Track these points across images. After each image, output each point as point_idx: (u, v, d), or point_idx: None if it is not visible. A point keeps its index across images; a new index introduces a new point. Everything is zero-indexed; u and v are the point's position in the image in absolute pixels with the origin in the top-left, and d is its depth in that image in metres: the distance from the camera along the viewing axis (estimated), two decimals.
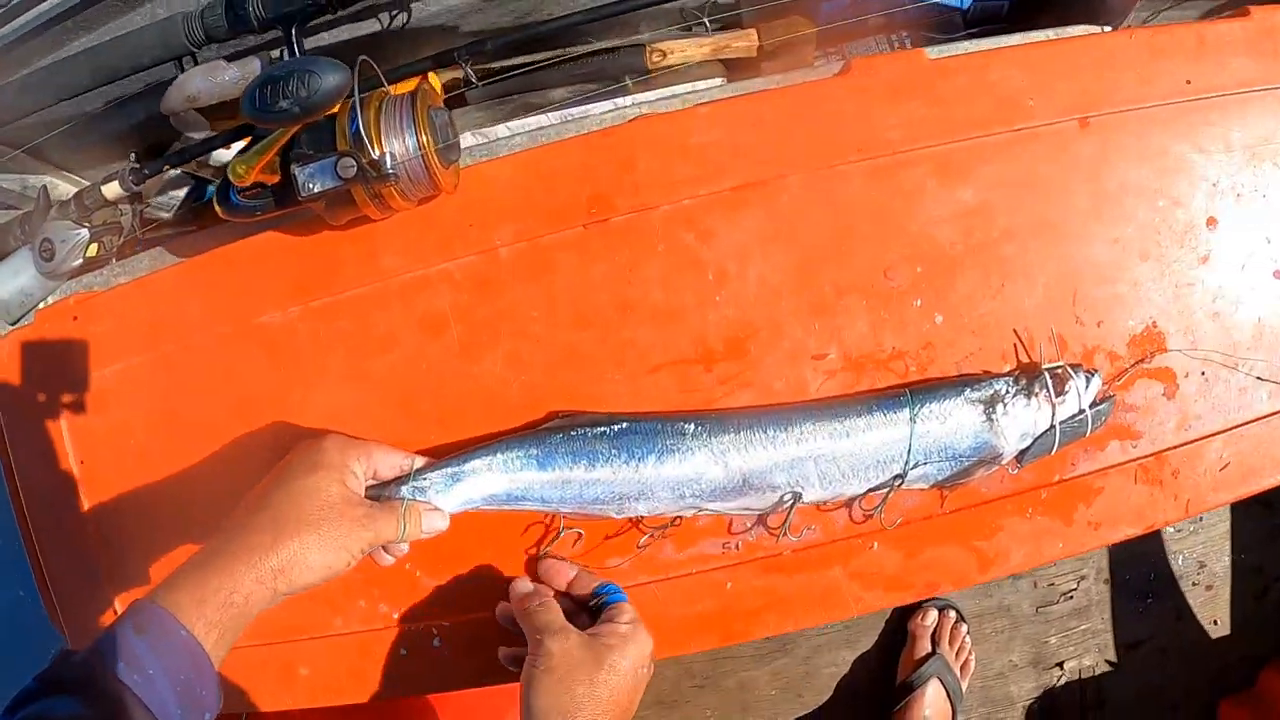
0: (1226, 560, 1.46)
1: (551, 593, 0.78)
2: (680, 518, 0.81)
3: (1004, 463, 0.82)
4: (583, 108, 0.96)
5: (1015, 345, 0.85)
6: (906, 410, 0.79)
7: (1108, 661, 1.43)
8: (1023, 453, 0.82)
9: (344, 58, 0.83)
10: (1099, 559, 1.43)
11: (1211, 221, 0.85)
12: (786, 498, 0.79)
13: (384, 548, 0.76)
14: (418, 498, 0.76)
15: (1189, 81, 0.84)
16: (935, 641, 1.38)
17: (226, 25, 0.80)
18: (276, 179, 0.78)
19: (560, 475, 0.79)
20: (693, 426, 0.79)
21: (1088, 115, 0.83)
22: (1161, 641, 1.44)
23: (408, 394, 0.85)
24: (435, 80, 0.98)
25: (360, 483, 0.74)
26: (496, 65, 0.99)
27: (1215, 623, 1.45)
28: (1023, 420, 0.81)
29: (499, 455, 0.79)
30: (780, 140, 0.81)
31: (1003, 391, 0.81)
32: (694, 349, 0.81)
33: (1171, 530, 1.44)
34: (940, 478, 0.82)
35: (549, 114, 0.97)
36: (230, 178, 0.76)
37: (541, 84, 0.97)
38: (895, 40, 0.95)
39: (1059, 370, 0.82)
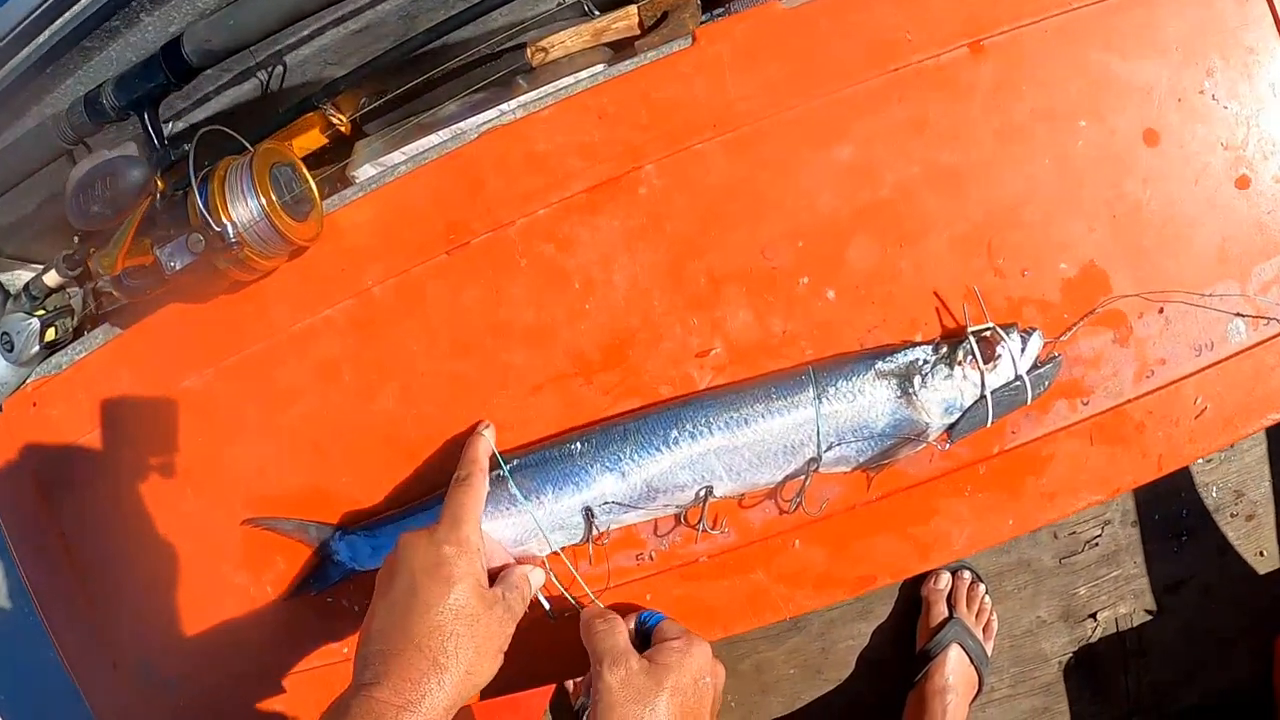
0: (1266, 486, 1.23)
1: (618, 617, 0.68)
2: (604, 534, 0.73)
3: (931, 439, 0.70)
4: (470, 120, 0.87)
5: (938, 309, 0.71)
6: (810, 390, 0.68)
7: (1146, 608, 1.24)
8: (952, 427, 0.69)
9: (230, 123, 0.78)
10: (1123, 501, 1.24)
11: (1150, 135, 0.68)
12: (700, 492, 0.70)
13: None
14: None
15: None
16: (952, 605, 1.23)
17: (89, 120, 0.76)
18: (151, 260, 0.74)
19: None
20: (579, 445, 0.71)
21: (979, 39, 0.68)
22: (1204, 580, 1.23)
23: (319, 440, 0.80)
24: (346, 119, 0.92)
25: (485, 573, 0.66)
26: (386, 93, 0.92)
27: (1261, 554, 1.24)
28: (946, 393, 0.68)
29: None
30: (627, 131, 0.70)
31: (920, 361, 0.69)
32: (570, 363, 0.73)
33: (1200, 462, 1.23)
34: (861, 460, 0.71)
35: (440, 133, 0.89)
36: (100, 271, 0.73)
37: (432, 102, 0.88)
38: None
39: (986, 333, 0.68)
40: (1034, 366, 0.68)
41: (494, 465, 0.71)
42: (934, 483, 0.71)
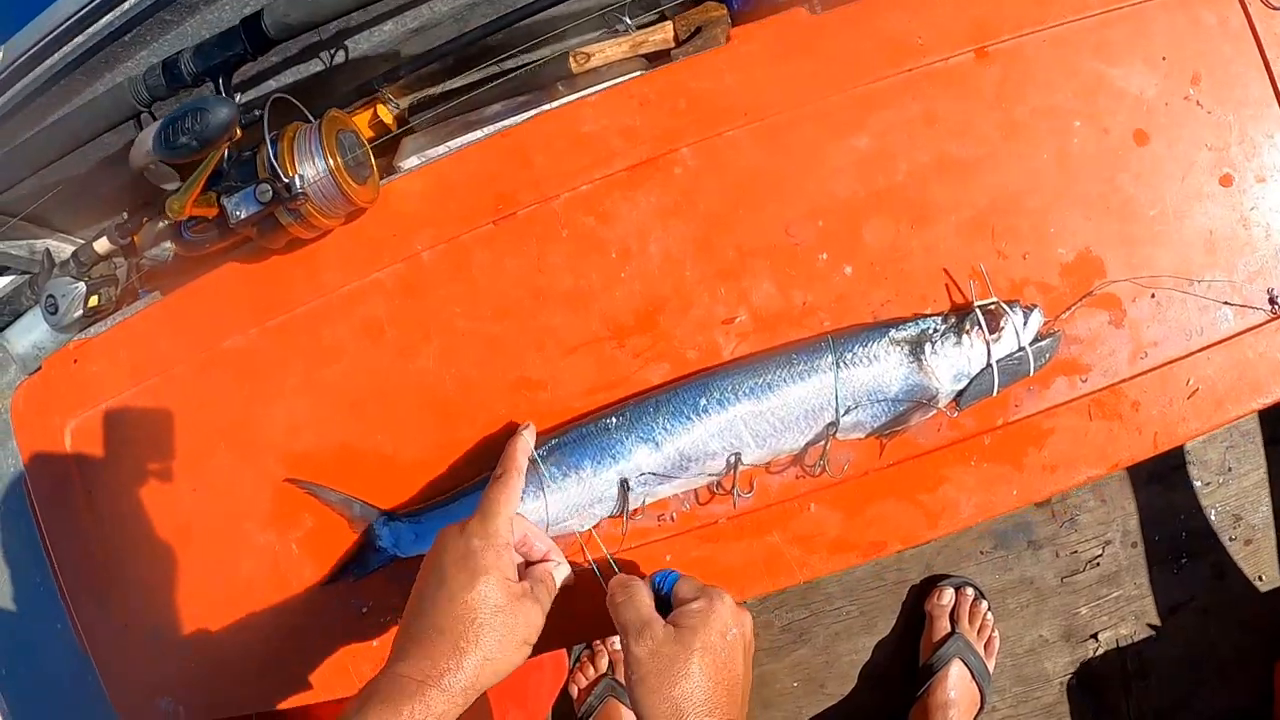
0: (1264, 511, 1.28)
1: (639, 581, 0.70)
2: (640, 509, 0.78)
3: (941, 406, 0.76)
4: (512, 119, 0.95)
5: (946, 285, 0.78)
6: (829, 355, 0.74)
7: (1147, 628, 1.27)
8: (960, 394, 0.75)
9: (296, 96, 0.86)
10: (1123, 522, 1.28)
11: (1140, 135, 0.76)
12: (730, 459, 0.75)
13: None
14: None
15: None
16: (955, 621, 1.26)
17: (165, 84, 0.84)
18: (215, 212, 0.81)
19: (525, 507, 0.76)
20: (614, 420, 0.76)
21: (984, 45, 0.77)
22: (1204, 602, 1.27)
23: (357, 398, 0.85)
24: (384, 112, 1.01)
25: (514, 567, 0.68)
26: (434, 91, 1.01)
27: (1260, 578, 1.28)
28: (955, 360, 0.75)
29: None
30: (666, 117, 0.79)
31: (931, 331, 0.75)
32: (605, 327, 0.79)
33: (1199, 484, 1.28)
34: (875, 425, 0.76)
35: (484, 129, 0.97)
36: (168, 214, 0.79)
37: (477, 102, 0.97)
38: (810, 8, 0.91)
39: (992, 307, 0.75)
40: (1035, 340, 0.74)
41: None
42: (942, 451, 0.77)
